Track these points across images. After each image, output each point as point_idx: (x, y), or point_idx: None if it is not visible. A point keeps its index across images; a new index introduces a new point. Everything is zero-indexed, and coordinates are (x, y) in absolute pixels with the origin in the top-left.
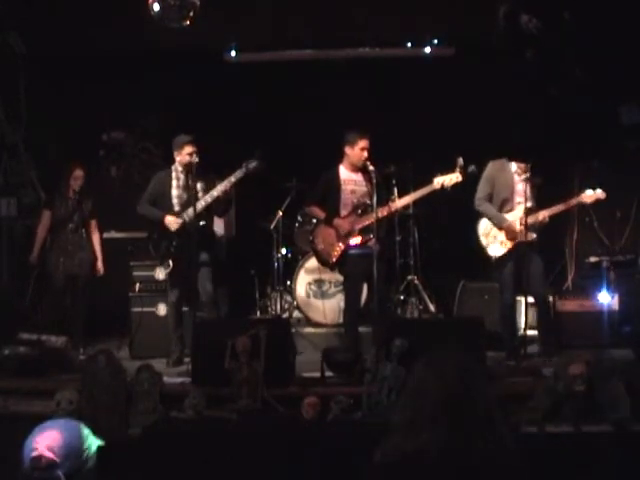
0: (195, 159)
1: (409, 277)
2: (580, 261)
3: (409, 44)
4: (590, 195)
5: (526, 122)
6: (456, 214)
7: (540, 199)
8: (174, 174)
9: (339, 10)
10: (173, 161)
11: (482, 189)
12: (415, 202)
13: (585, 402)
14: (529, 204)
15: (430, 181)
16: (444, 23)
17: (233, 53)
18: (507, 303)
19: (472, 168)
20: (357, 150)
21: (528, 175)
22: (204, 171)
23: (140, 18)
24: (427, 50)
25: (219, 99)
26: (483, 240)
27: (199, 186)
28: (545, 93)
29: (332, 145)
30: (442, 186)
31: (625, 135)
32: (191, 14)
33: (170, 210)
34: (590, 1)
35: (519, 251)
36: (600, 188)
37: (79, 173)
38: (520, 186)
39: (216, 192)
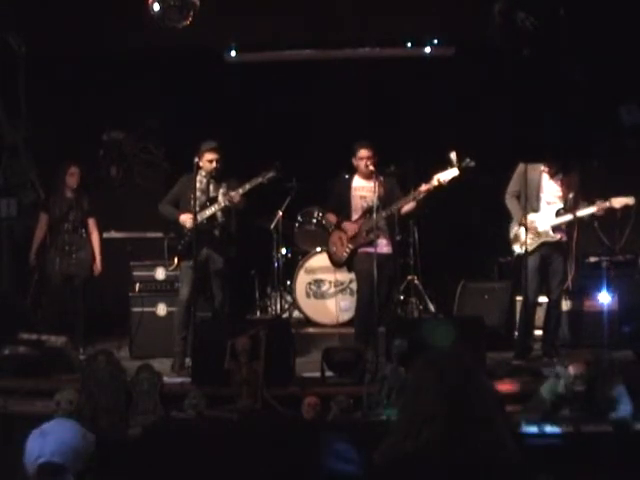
0: (214, 165)
1: (409, 277)
2: (580, 261)
3: (409, 44)
4: (620, 200)
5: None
6: (456, 214)
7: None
8: (198, 177)
9: (339, 10)
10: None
11: (511, 185)
12: (417, 202)
13: (585, 402)
14: (555, 205)
15: (429, 179)
16: (444, 23)
17: (233, 53)
18: (527, 302)
19: (467, 161)
20: (358, 161)
21: (560, 176)
22: (227, 176)
23: (140, 18)
24: (427, 50)
25: (219, 99)
26: (512, 238)
27: (221, 190)
28: (542, 92)
29: (332, 145)
30: (439, 182)
31: (625, 135)
32: (191, 14)
33: (189, 211)
34: None
35: (542, 251)
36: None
37: (74, 170)
38: (549, 186)
39: (228, 198)
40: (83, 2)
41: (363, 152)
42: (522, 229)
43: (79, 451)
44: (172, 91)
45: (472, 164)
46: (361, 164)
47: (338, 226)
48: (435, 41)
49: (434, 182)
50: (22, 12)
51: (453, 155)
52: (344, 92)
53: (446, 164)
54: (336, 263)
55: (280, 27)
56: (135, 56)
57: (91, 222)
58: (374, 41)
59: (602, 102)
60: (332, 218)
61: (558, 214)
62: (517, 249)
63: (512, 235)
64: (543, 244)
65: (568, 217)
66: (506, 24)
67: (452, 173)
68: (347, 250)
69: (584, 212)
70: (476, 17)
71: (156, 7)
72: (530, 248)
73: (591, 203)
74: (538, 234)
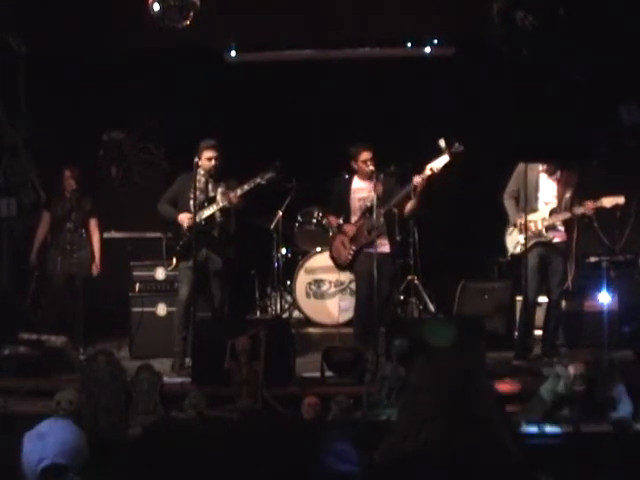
0: (213, 163)
1: (409, 277)
2: (580, 261)
3: (409, 44)
4: (610, 200)
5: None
6: (456, 214)
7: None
8: (197, 176)
9: (339, 10)
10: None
11: (509, 185)
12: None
13: (585, 402)
14: (553, 205)
15: (422, 170)
16: (444, 23)
17: (233, 53)
18: (527, 302)
19: (456, 146)
20: (360, 163)
21: (558, 176)
22: (226, 176)
23: (140, 18)
24: (427, 50)
25: (219, 99)
26: (507, 238)
27: (220, 190)
28: (542, 92)
29: (332, 145)
30: (432, 170)
31: (625, 135)
32: (191, 14)
33: (187, 210)
34: None
35: (540, 251)
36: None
37: (68, 174)
38: (547, 186)
39: (226, 198)
40: (83, 2)
41: (365, 154)
42: (516, 230)
43: (79, 449)
44: (172, 91)
45: (461, 148)
46: (364, 166)
47: (339, 229)
48: (435, 41)
49: (427, 172)
50: (22, 12)
51: (442, 142)
52: (344, 92)
53: (437, 152)
54: (340, 266)
55: (280, 27)
56: (135, 56)
57: (92, 222)
58: (374, 41)
59: (602, 102)
60: (333, 221)
61: (551, 214)
62: (511, 249)
63: (507, 236)
64: (538, 244)
65: (561, 216)
66: (505, 23)
67: (443, 160)
68: (351, 252)
69: (576, 212)
70: (476, 17)
71: (156, 7)
72: (522, 248)
73: (581, 204)
74: (533, 234)
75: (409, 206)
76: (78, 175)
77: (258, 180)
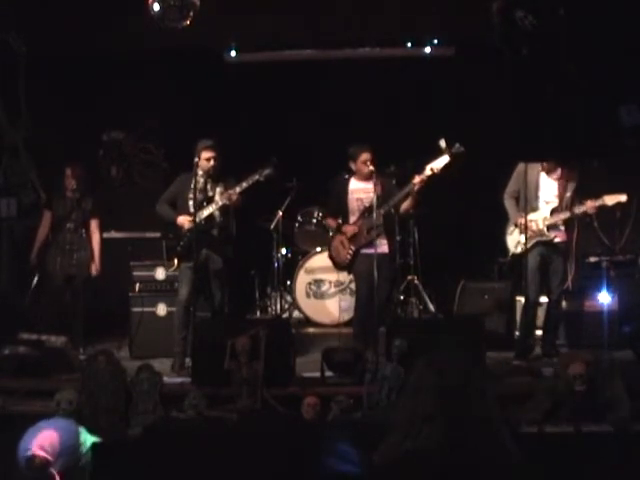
0: (212, 164)
1: (409, 277)
2: (580, 261)
3: (409, 44)
4: (612, 197)
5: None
6: (456, 214)
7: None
8: (196, 177)
9: (339, 10)
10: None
11: (509, 185)
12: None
13: (585, 402)
14: (554, 204)
15: (422, 170)
16: (444, 23)
17: (233, 53)
18: (528, 302)
19: (457, 147)
20: (360, 164)
21: (558, 174)
22: (225, 175)
23: (140, 18)
24: (427, 50)
25: (219, 99)
26: (508, 238)
27: (218, 189)
28: (542, 92)
29: (332, 145)
30: (432, 171)
31: (625, 135)
32: (191, 14)
33: (186, 211)
34: None
35: (541, 250)
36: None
37: (69, 172)
38: (547, 185)
39: (225, 197)
40: (83, 2)
41: (365, 155)
42: (517, 230)
43: (68, 449)
44: (172, 91)
45: (462, 149)
46: (364, 167)
47: (339, 230)
48: (435, 41)
49: (427, 172)
50: (22, 12)
51: (442, 142)
52: (344, 92)
53: (437, 152)
54: (339, 265)
55: (280, 27)
56: (135, 56)
57: (93, 223)
58: (374, 41)
59: (602, 102)
60: (332, 222)
61: (552, 213)
62: (512, 249)
63: (507, 235)
64: (539, 243)
65: (562, 215)
66: (505, 23)
67: (444, 160)
68: (350, 252)
69: (577, 210)
70: (476, 17)
71: (156, 7)
72: (522, 248)
73: (582, 203)
74: (534, 233)
75: (405, 205)
76: (80, 174)
77: (256, 177)
